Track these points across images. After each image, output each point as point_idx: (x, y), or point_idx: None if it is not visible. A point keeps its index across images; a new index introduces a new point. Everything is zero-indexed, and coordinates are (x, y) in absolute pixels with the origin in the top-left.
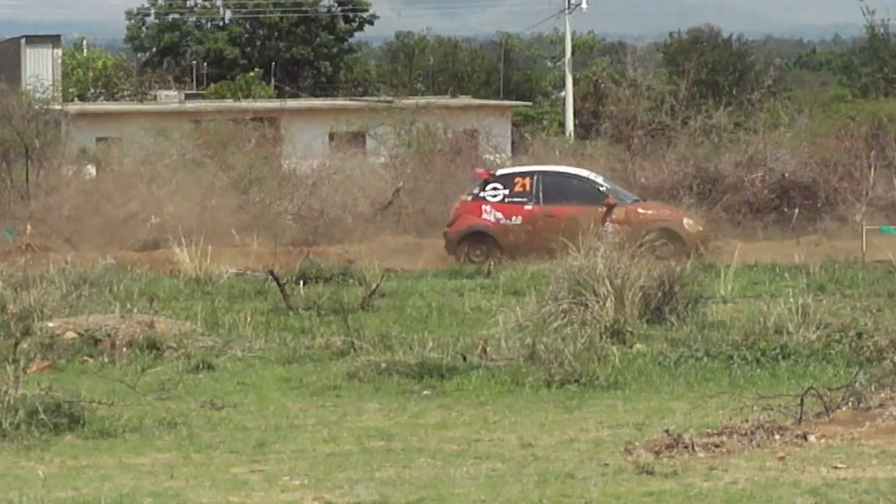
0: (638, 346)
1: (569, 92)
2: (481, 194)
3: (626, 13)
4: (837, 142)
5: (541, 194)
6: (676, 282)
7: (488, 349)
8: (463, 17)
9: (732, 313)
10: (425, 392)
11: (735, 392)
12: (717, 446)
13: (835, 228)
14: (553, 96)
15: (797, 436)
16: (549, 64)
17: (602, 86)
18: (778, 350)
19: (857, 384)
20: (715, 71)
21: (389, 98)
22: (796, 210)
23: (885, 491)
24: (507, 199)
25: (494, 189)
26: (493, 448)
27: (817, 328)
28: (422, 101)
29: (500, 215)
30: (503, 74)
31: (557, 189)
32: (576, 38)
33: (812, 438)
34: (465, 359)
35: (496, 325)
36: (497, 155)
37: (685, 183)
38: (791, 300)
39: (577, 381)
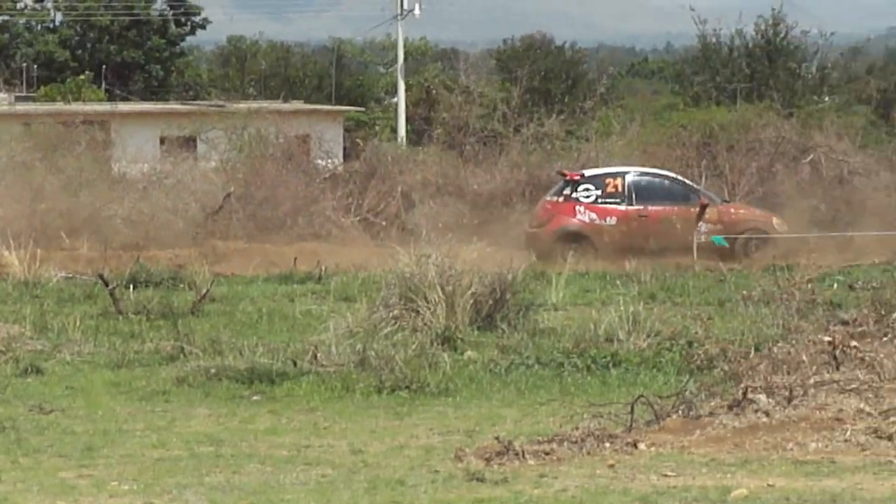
0: (469, 352)
1: (401, 98)
2: (573, 195)
3: (459, 20)
4: (669, 150)
5: (633, 195)
6: (508, 289)
7: (319, 355)
8: (296, 21)
9: (563, 321)
10: (255, 397)
11: (565, 399)
12: (547, 454)
13: None
14: (385, 102)
15: (627, 444)
16: (382, 70)
17: (434, 92)
18: (608, 358)
19: (687, 392)
20: (547, 78)
21: (221, 102)
22: None
23: (715, 499)
24: (599, 200)
25: (587, 190)
26: (324, 454)
27: (648, 336)
28: (254, 105)
29: (594, 216)
30: (335, 80)
31: (649, 190)
32: (408, 44)
33: (642, 446)
34: (295, 364)
35: (327, 330)
36: (329, 160)
37: (518, 190)
38: (622, 308)
39: (407, 387)
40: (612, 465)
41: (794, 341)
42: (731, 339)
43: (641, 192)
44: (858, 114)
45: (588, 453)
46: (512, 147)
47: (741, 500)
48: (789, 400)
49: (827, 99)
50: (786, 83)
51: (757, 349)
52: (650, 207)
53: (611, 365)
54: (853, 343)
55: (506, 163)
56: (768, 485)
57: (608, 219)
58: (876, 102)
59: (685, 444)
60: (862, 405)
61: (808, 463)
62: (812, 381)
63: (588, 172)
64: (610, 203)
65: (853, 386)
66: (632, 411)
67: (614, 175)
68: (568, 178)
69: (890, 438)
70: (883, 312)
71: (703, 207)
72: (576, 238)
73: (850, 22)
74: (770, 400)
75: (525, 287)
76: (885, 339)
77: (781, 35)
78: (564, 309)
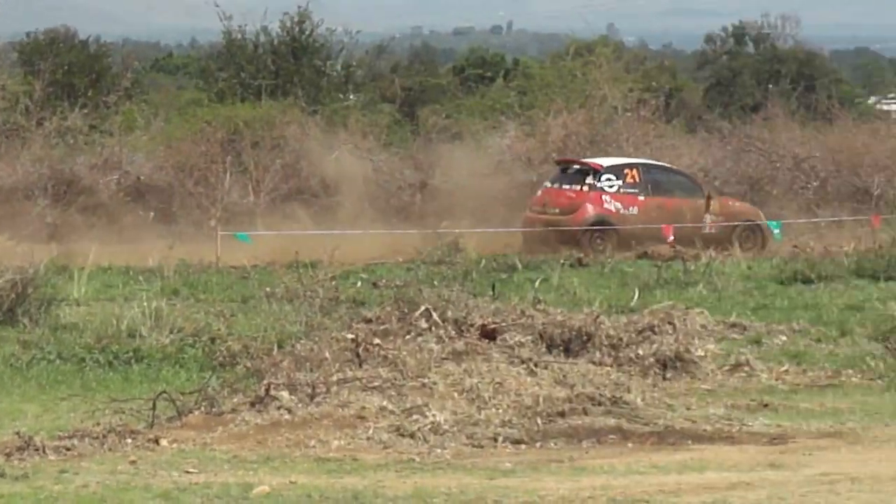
0: None
1: None
2: (598, 185)
3: None
4: (194, 146)
5: (649, 186)
6: (29, 283)
7: None
8: None
9: (86, 316)
10: None
11: (87, 395)
12: (68, 449)
13: (190, 233)
14: None
15: (149, 440)
16: None
17: None
18: (131, 353)
19: (209, 389)
20: (71, 72)
21: None
22: (152, 213)
23: (237, 496)
24: (621, 190)
25: (609, 180)
26: None
27: (171, 332)
28: None
29: (618, 205)
30: None
31: (662, 181)
32: None
33: (164, 443)
34: None
35: None
36: None
37: (40, 184)
38: (145, 304)
39: None
40: (133, 462)
41: (317, 338)
42: (254, 336)
43: (656, 184)
44: (383, 112)
45: (110, 449)
46: (34, 141)
47: (263, 497)
48: (312, 397)
49: (352, 97)
50: (311, 81)
51: (280, 346)
52: (665, 198)
53: (133, 360)
54: (376, 341)
55: (28, 156)
56: (290, 482)
57: (630, 208)
58: (400, 101)
59: (207, 440)
60: (384, 403)
61: (331, 460)
62: (335, 378)
63: (606, 162)
64: (630, 193)
65: (376, 384)
66: (154, 407)
67: (630, 166)
68: (589, 167)
69: (412, 436)
70: (406, 311)
71: (709, 199)
72: (603, 227)
73: (375, 21)
74: (293, 397)
75: (47, 281)
76: (407, 337)
77: (307, 33)
78: (87, 304)
